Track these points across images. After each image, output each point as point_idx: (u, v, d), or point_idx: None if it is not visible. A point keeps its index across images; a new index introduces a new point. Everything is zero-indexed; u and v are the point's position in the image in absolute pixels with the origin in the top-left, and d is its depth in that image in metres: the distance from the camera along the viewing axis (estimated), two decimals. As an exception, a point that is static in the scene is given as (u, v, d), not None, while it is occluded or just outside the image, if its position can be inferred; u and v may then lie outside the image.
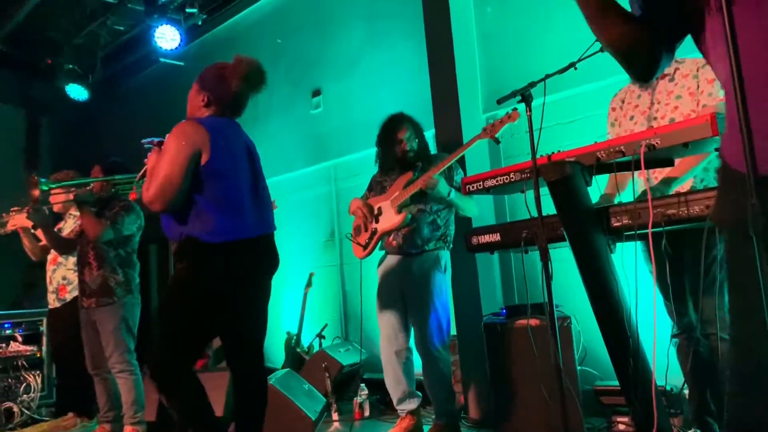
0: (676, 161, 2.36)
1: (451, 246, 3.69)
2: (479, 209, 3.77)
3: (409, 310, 3.61)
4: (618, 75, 3.22)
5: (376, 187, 3.86)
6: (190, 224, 2.57)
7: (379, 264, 3.79)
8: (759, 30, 1.09)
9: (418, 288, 3.55)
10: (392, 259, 3.69)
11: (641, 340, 2.38)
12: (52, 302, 4.64)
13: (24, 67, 7.85)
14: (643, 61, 1.35)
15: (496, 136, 3.23)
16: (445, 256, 3.64)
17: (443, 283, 3.61)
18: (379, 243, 3.71)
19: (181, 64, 7.17)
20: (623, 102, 2.90)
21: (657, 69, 1.37)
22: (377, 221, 3.68)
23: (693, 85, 2.58)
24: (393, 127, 3.73)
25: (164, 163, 2.54)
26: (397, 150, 3.70)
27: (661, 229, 2.11)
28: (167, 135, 2.62)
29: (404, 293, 3.62)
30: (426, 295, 3.52)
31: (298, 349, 5.31)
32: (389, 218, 3.61)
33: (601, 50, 2.59)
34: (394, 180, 3.69)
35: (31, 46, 7.26)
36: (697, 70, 2.58)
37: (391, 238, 3.65)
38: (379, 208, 3.69)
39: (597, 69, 2.90)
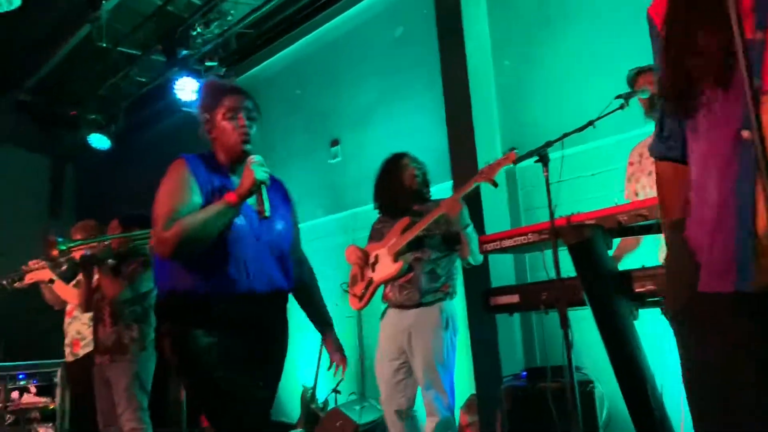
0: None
1: (456, 296, 3.45)
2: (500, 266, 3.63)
3: (412, 369, 3.37)
4: (641, 128, 3.14)
5: (376, 235, 3.65)
6: None
7: (381, 317, 3.57)
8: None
9: (418, 348, 3.30)
10: (392, 313, 3.46)
11: (668, 412, 2.25)
12: (67, 355, 4.60)
13: (49, 117, 8.02)
14: None
15: (494, 178, 3.04)
16: (449, 309, 3.36)
17: (446, 341, 3.31)
18: (377, 293, 3.52)
19: (203, 113, 7.25)
20: (641, 156, 2.80)
21: None
22: (373, 270, 3.50)
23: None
24: (394, 161, 3.59)
25: None
26: (405, 180, 3.50)
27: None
28: None
29: (405, 350, 3.37)
30: (426, 356, 3.27)
31: (313, 405, 5.18)
32: (386, 267, 3.40)
33: (621, 108, 2.54)
34: (393, 226, 3.49)
35: (56, 97, 7.43)
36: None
37: (388, 289, 3.46)
38: (376, 256, 3.49)
39: (620, 122, 2.83)
